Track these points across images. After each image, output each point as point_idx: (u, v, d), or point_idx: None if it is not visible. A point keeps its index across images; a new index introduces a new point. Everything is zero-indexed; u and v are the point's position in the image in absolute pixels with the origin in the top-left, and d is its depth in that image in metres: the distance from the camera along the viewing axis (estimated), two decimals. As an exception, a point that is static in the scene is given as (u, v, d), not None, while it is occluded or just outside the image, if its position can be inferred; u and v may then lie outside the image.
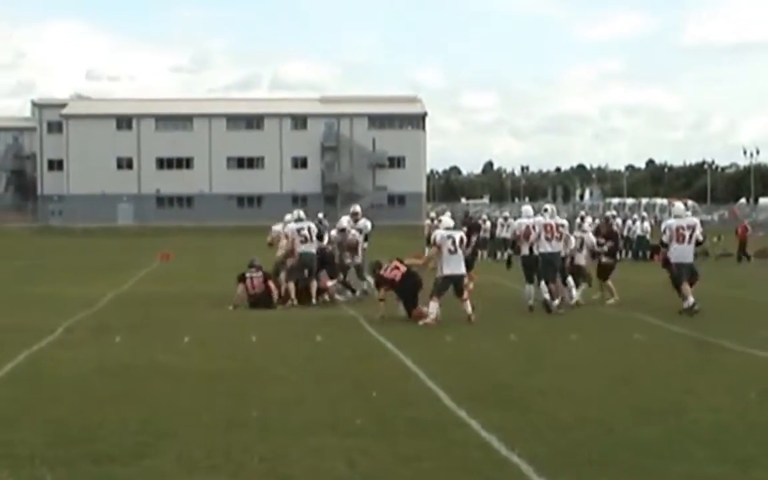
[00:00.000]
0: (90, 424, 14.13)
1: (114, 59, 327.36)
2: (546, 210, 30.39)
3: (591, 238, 31.93)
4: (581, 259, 31.26)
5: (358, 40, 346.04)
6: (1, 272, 48.90)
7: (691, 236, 28.69)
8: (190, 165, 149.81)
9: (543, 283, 28.86)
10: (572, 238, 30.80)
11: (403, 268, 27.28)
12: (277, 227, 33.12)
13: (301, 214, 32.05)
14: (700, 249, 31.61)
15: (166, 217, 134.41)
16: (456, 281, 26.44)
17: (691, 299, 28.04)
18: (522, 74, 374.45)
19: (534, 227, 28.29)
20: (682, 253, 28.65)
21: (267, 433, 13.53)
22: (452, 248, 26.48)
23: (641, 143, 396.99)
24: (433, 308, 26.00)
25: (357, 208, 32.48)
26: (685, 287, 28.31)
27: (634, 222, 66.64)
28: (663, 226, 29.07)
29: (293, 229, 30.72)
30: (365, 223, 32.10)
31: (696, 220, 30.82)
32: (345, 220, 32.67)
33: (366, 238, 32.21)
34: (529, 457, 12.10)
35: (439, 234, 27.03)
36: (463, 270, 26.79)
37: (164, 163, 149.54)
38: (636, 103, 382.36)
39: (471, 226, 35.11)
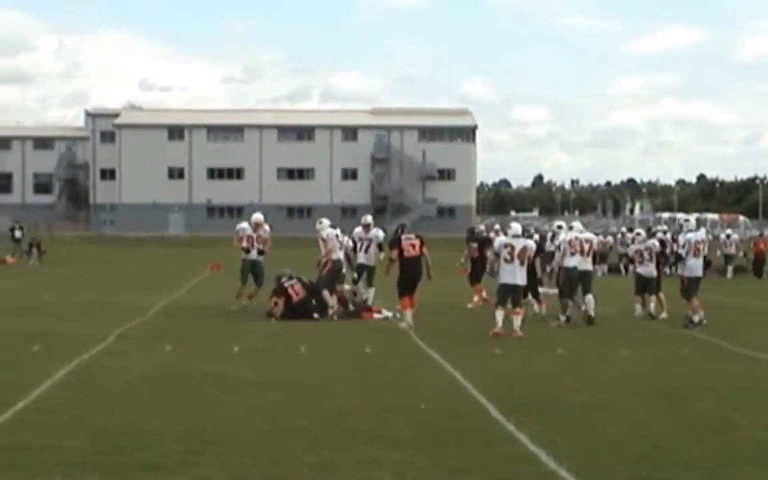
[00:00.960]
0: (139, 431, 14.17)
1: (166, 70, 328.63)
2: (572, 227, 30.92)
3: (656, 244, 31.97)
4: (651, 270, 31.27)
5: (409, 52, 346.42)
6: (54, 280, 49.04)
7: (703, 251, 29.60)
8: (241, 175, 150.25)
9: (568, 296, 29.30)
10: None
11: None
12: (243, 225, 33.78)
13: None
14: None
15: (216, 227, 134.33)
16: (512, 291, 26.34)
17: (701, 313, 28.73)
18: (573, 87, 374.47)
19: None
20: (696, 267, 29.26)
21: (315, 444, 13.51)
22: (508, 257, 26.37)
23: (692, 157, 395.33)
24: (498, 318, 26.04)
25: (368, 218, 32.40)
26: (696, 302, 28.91)
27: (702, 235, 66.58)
28: (682, 240, 29.13)
29: (333, 234, 30.60)
30: (377, 233, 32.00)
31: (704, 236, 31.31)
32: (357, 231, 32.63)
33: (380, 247, 32.10)
34: (578, 472, 12.07)
35: (498, 241, 27.20)
36: (518, 280, 26.64)
37: (215, 174, 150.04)
38: (687, 117, 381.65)
39: (481, 240, 34.76)
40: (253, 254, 32.29)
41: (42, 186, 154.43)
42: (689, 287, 28.99)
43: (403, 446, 13.60)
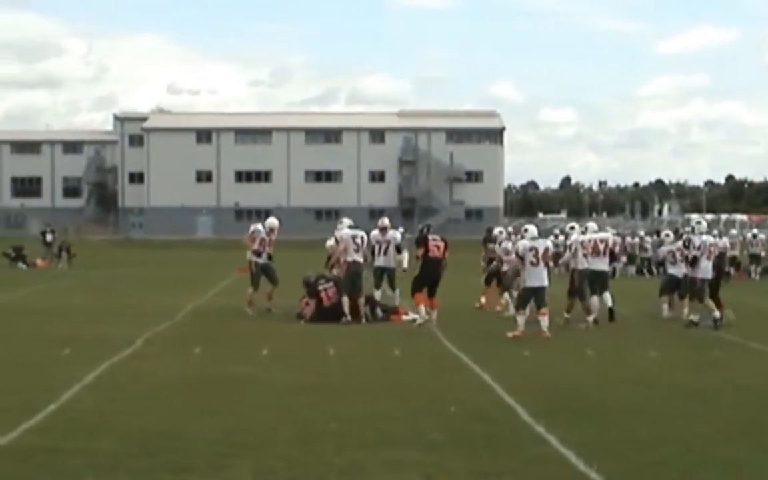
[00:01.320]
0: (170, 434, 14.28)
1: (194, 73, 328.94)
2: (586, 228, 31.17)
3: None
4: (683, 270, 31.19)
5: (436, 54, 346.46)
6: (83, 283, 49.25)
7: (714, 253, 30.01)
8: (269, 178, 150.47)
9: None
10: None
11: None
12: (258, 226, 34.17)
13: (351, 223, 32.21)
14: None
15: (244, 229, 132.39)
16: (537, 293, 26.36)
17: (717, 313, 28.96)
18: (601, 89, 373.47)
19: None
20: (708, 269, 29.35)
21: (344, 446, 13.56)
22: (534, 260, 26.46)
23: (721, 158, 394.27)
24: (520, 321, 26.21)
25: (385, 221, 32.29)
26: (710, 301, 29.09)
27: (714, 238, 66.32)
28: (698, 242, 29.04)
29: (348, 235, 30.54)
30: (394, 235, 31.94)
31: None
32: (374, 234, 32.51)
33: (399, 249, 32.06)
34: (608, 474, 12.08)
35: (521, 245, 27.12)
36: (545, 282, 26.72)
37: (243, 177, 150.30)
38: (716, 118, 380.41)
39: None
40: (264, 258, 32.33)
41: (71, 190, 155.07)
42: (701, 288, 29.12)
43: (432, 449, 13.61)
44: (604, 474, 12.01)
